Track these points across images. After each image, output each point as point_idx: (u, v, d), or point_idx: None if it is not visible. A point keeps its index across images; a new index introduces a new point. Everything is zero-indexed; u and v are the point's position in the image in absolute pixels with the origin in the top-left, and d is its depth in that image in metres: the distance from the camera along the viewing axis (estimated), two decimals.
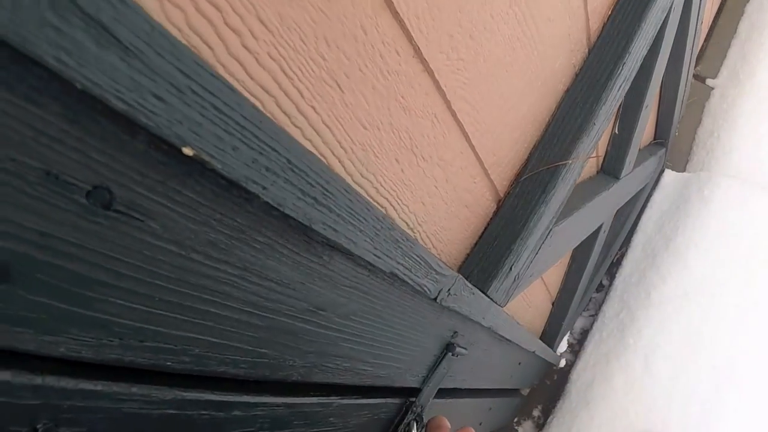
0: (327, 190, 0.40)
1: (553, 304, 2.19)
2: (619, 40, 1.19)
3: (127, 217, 0.34)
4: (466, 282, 0.73)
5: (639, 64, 1.33)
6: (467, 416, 1.50)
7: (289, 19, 0.45)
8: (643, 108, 1.66)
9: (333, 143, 0.55)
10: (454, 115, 0.72)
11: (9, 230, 0.28)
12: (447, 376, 1.03)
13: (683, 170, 2.96)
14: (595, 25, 1.15)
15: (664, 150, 2.60)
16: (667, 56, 1.76)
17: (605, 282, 2.82)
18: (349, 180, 0.59)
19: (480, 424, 1.73)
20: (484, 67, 0.75)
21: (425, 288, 0.62)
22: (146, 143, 0.32)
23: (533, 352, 1.69)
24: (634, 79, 1.48)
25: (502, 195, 1.02)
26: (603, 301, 2.68)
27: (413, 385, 0.89)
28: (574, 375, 2.49)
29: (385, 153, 0.62)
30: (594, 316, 2.70)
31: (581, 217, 1.44)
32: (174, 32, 0.37)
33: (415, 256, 0.56)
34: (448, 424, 0.86)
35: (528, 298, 1.70)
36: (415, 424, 0.93)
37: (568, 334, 2.67)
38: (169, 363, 0.43)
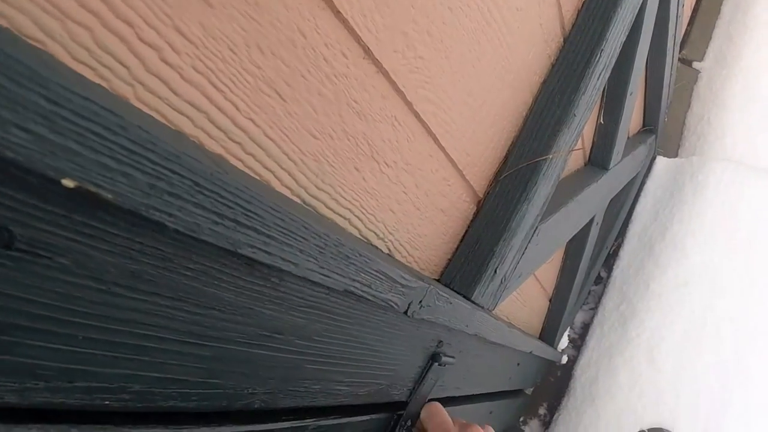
0: (249, 210, 0.36)
1: (550, 301, 2.15)
2: (595, 27, 1.15)
3: (32, 255, 0.31)
4: (441, 291, 0.69)
5: (618, 50, 1.29)
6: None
7: (213, 29, 0.41)
8: (628, 95, 1.63)
9: (279, 156, 0.51)
10: (417, 116, 0.68)
11: None
12: (437, 386, 0.99)
13: (675, 156, 2.93)
14: (569, 13, 1.11)
15: (654, 137, 2.56)
16: (649, 41, 1.72)
17: (603, 274, 2.78)
18: (303, 193, 0.56)
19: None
20: (447, 65, 0.71)
21: (391, 303, 0.58)
22: (38, 178, 0.28)
23: (530, 352, 1.65)
24: (615, 67, 1.45)
25: (481, 195, 0.98)
26: (602, 294, 2.65)
27: (399, 399, 0.85)
28: (578, 371, 2.46)
29: (342, 162, 0.59)
30: (594, 310, 2.66)
31: (570, 211, 1.40)
32: (82, 52, 0.34)
33: (373, 272, 0.52)
34: (442, 413, 0.83)
35: (522, 297, 1.66)
36: None
37: (569, 329, 2.63)
38: (107, 402, 0.40)
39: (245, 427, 0.55)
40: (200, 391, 0.46)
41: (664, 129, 2.89)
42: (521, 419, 2.56)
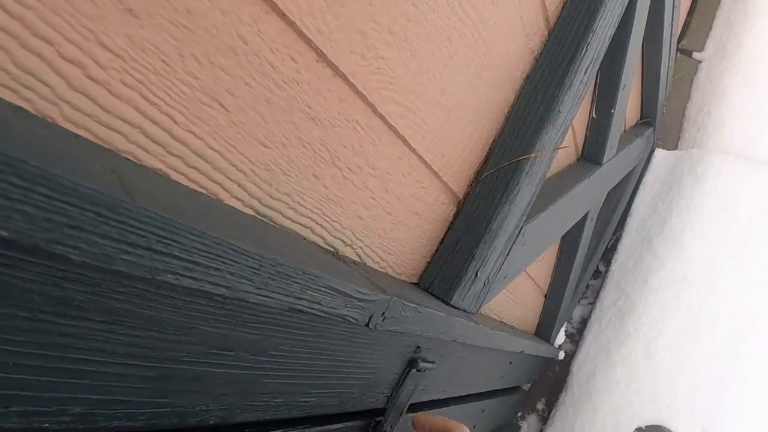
0: (165, 237, 0.34)
1: (545, 297, 2.12)
2: (581, 19, 1.12)
3: None
4: (407, 302, 0.66)
5: (607, 43, 1.26)
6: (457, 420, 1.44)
7: (141, 41, 0.39)
8: (621, 89, 1.60)
9: (226, 168, 0.49)
10: (382, 119, 0.66)
11: None
12: (420, 391, 0.97)
13: (675, 148, 2.90)
14: (554, 5, 1.08)
15: (651, 129, 2.53)
16: (642, 33, 1.69)
17: (602, 268, 2.75)
18: (256, 204, 0.54)
19: (474, 426, 1.68)
20: (414, 64, 0.69)
21: (348, 318, 0.56)
22: None
23: (521, 352, 1.63)
24: (606, 60, 1.42)
25: (461, 196, 0.95)
26: (600, 288, 2.63)
27: (376, 406, 0.83)
28: (575, 366, 2.44)
29: (298, 170, 0.56)
30: (592, 304, 2.64)
31: (559, 209, 1.38)
32: (1, 74, 0.32)
33: (322, 288, 0.50)
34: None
35: (514, 295, 1.64)
36: None
37: (567, 324, 2.61)
38: (45, 425, 0.38)
39: None
40: (147, 410, 0.44)
41: (664, 121, 2.86)
42: (519, 414, 2.55)
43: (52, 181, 0.27)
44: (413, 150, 0.75)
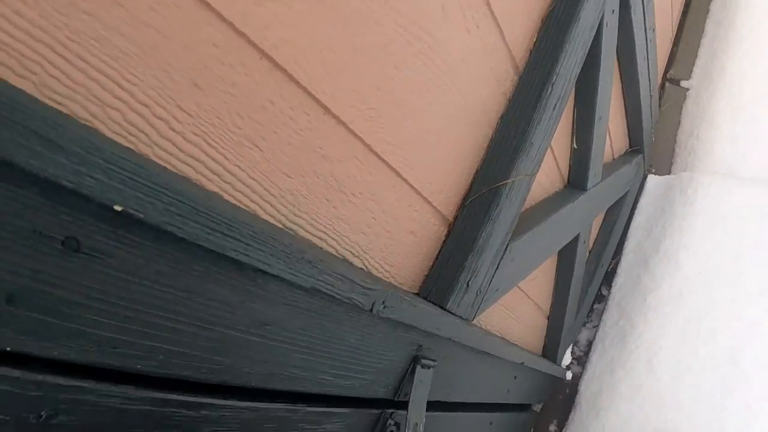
0: (231, 225, 0.53)
1: (548, 319, 2.27)
2: (545, 63, 1.31)
3: (91, 257, 0.48)
4: (403, 295, 0.84)
5: (573, 82, 1.45)
6: (464, 431, 1.59)
7: (204, 104, 0.58)
8: (596, 120, 1.78)
9: (262, 192, 0.68)
10: (377, 155, 0.85)
11: (13, 269, 0.43)
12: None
13: (668, 173, 3.05)
14: (520, 54, 1.27)
15: (641, 156, 2.70)
16: (613, 67, 1.88)
17: (605, 292, 2.89)
18: (284, 220, 0.72)
19: None
20: (399, 111, 0.88)
21: (355, 301, 0.74)
22: (98, 205, 0.45)
23: (522, 363, 1.78)
24: (580, 95, 1.61)
25: (450, 219, 1.14)
26: (603, 311, 2.76)
27: (385, 397, 1.00)
28: (583, 386, 2.56)
29: (314, 195, 0.75)
30: (596, 327, 2.77)
31: (546, 230, 1.55)
32: (115, 126, 0.51)
33: (335, 274, 0.68)
34: None
35: (515, 314, 1.80)
36: (396, 429, 1.03)
37: (573, 347, 2.74)
38: (139, 366, 0.56)
39: (245, 403, 0.70)
40: (208, 365, 0.62)
41: (657, 147, 3.03)
42: None
43: (171, 184, 0.46)
44: (404, 179, 0.93)
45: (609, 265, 2.85)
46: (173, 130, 0.56)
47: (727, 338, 2.35)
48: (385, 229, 0.93)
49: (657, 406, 2.33)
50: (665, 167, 3.13)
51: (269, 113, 0.65)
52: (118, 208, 0.45)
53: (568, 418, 2.59)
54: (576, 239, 2.02)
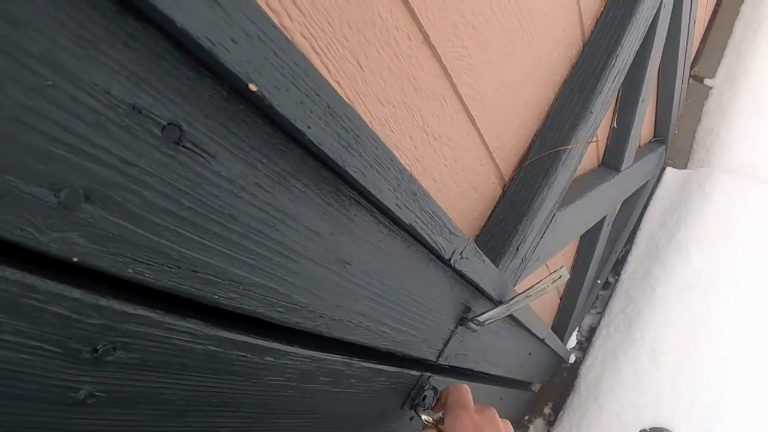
0: (358, 137, 0.47)
1: (561, 299, 2.25)
2: (611, 33, 1.26)
3: (192, 153, 0.40)
4: (477, 248, 0.80)
5: (632, 57, 1.40)
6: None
7: (318, 5, 0.52)
8: (640, 102, 1.73)
9: None
10: (460, 98, 0.79)
11: (99, 155, 0.34)
12: (460, 355, 1.09)
13: (684, 167, 3.03)
14: (589, 21, 1.22)
15: (664, 147, 2.67)
16: (661, 51, 1.83)
17: (611, 279, 2.88)
18: None
19: None
20: (485, 56, 0.82)
21: (440, 246, 0.68)
22: (213, 88, 0.39)
23: (543, 339, 1.75)
24: (628, 74, 1.55)
25: (507, 180, 1.09)
26: (610, 298, 2.74)
27: (429, 358, 0.95)
28: (583, 370, 2.55)
29: (400, 129, 0.70)
30: (601, 314, 2.75)
31: (584, 205, 1.51)
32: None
33: (431, 212, 0.63)
34: (466, 394, 0.89)
35: None
36: (432, 393, 0.99)
37: (577, 331, 2.72)
38: (216, 296, 0.48)
39: (308, 351, 0.65)
40: (284, 303, 0.56)
41: (675, 141, 3.00)
42: (526, 418, 2.65)
43: (311, 72, 0.40)
44: (478, 129, 0.88)
45: (620, 253, 2.83)
46: (283, 26, 0.50)
47: (732, 335, 2.35)
48: (453, 180, 0.87)
49: (657, 396, 2.32)
50: (682, 161, 3.11)
51: (377, 29, 0.59)
52: (253, 87, 0.37)
53: (563, 402, 2.58)
54: (602, 221, 1.98)
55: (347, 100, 0.58)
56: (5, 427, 0.38)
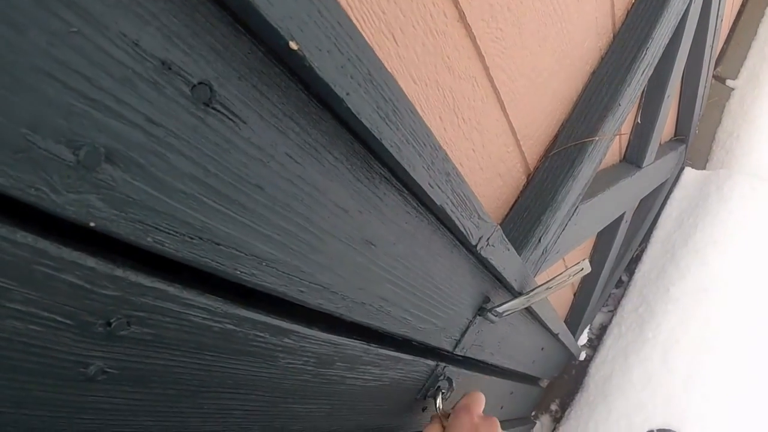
0: (397, 109, 0.44)
1: (574, 295, 2.22)
2: (642, 26, 1.23)
3: (222, 116, 0.37)
4: (504, 236, 0.77)
5: (661, 51, 1.37)
6: (490, 395, 1.54)
7: None
8: (665, 98, 1.70)
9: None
10: (491, 81, 0.77)
11: (124, 112, 0.32)
12: (476, 346, 1.07)
13: (703, 168, 2.99)
14: (620, 12, 1.19)
15: (684, 146, 2.63)
16: (688, 48, 1.80)
17: (624, 278, 2.84)
18: None
19: (501, 407, 1.77)
20: (519, 39, 0.80)
21: (468, 231, 0.66)
22: (249, 47, 0.36)
23: (557, 335, 1.73)
24: (656, 68, 1.52)
25: (531, 169, 1.06)
26: (622, 296, 2.71)
27: (446, 348, 0.93)
28: (593, 369, 2.52)
29: (431, 109, 0.67)
30: (612, 312, 2.72)
31: (605, 200, 1.48)
32: None
33: (462, 194, 0.60)
34: (478, 401, 0.88)
35: None
36: (447, 384, 0.97)
37: (588, 329, 2.70)
38: (238, 272, 0.45)
39: (326, 335, 0.63)
40: (307, 282, 0.54)
41: (694, 142, 2.96)
42: (533, 414, 2.63)
43: (355, 35, 0.38)
44: (507, 115, 0.86)
45: (635, 251, 2.80)
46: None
47: (745, 340, 2.31)
48: (479, 166, 0.85)
49: (666, 399, 2.29)
50: (701, 162, 3.07)
51: (413, 3, 0.57)
52: (294, 45, 0.35)
53: (572, 399, 2.56)
54: (621, 217, 1.95)
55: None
56: (11, 401, 0.36)
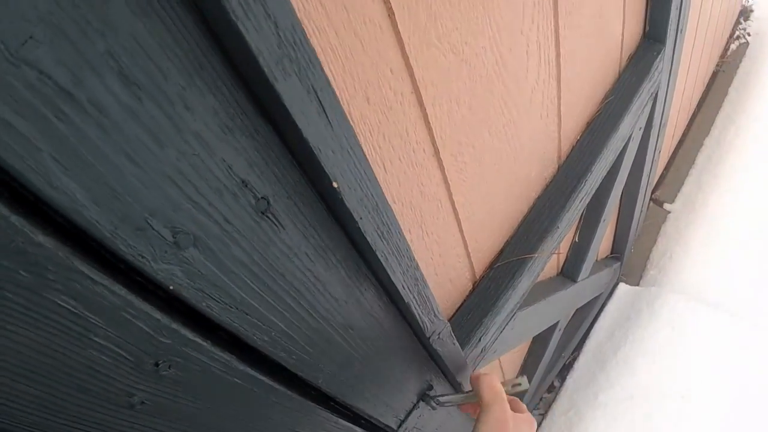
0: (390, 230, 0.60)
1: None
2: (584, 160, 1.44)
3: (271, 222, 0.51)
4: (452, 332, 0.92)
5: (599, 182, 1.58)
6: None
7: (367, 119, 0.66)
8: (601, 221, 1.91)
9: None
10: (453, 204, 0.94)
11: (211, 212, 0.45)
12: (417, 429, 1.19)
13: (637, 284, 3.20)
14: (566, 147, 1.40)
15: (619, 264, 2.85)
16: (625, 178, 2.03)
17: (556, 383, 2.99)
18: None
19: None
20: (479, 170, 0.98)
21: (425, 325, 0.81)
22: (299, 178, 0.51)
23: None
24: (594, 196, 1.73)
25: (478, 277, 1.22)
26: (553, 401, 2.85)
27: (392, 426, 1.06)
28: None
29: (403, 224, 0.83)
30: (543, 415, 2.85)
31: (541, 309, 1.65)
32: None
33: (425, 296, 0.76)
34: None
35: None
36: None
37: None
38: (255, 337, 0.58)
39: (310, 403, 0.75)
40: (298, 353, 0.67)
41: (630, 259, 3.19)
42: None
43: (370, 179, 0.53)
44: (462, 231, 1.02)
45: (567, 359, 2.96)
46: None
47: None
48: (435, 272, 1.01)
49: None
50: (634, 279, 3.28)
51: (403, 141, 0.74)
52: (335, 184, 0.50)
53: None
54: (555, 325, 2.12)
55: None
56: (66, 415, 0.47)
